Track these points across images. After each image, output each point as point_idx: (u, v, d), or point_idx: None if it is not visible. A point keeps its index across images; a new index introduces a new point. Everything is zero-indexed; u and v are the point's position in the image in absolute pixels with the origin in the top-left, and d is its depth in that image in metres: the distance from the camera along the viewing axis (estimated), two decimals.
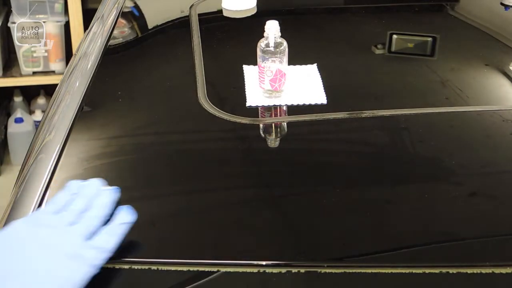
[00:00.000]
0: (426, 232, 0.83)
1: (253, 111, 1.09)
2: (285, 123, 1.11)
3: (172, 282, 0.77)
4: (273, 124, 1.10)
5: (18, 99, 2.98)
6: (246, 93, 1.13)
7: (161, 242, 0.84)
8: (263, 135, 1.07)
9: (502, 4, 1.52)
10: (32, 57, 2.77)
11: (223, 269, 0.77)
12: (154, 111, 1.13)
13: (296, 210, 0.88)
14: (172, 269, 0.77)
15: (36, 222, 0.75)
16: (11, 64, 2.86)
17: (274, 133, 1.08)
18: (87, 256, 0.72)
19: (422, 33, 1.37)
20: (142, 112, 1.14)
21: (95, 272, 0.72)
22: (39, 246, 0.72)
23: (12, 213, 0.89)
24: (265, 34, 1.10)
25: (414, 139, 1.04)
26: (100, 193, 0.80)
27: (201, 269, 0.77)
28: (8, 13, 2.74)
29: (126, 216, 0.78)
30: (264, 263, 0.77)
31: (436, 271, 0.76)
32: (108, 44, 1.35)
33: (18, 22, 2.41)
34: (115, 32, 1.42)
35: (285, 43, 1.10)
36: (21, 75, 2.80)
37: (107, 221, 0.78)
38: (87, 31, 1.54)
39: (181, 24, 1.49)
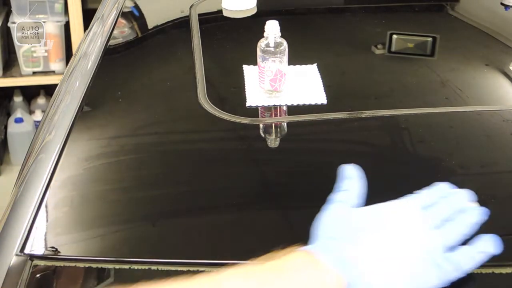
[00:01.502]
0: None
1: (253, 111, 1.09)
2: (285, 123, 1.11)
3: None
4: (273, 124, 1.10)
5: (18, 99, 2.98)
6: (246, 93, 1.13)
7: (161, 242, 0.84)
8: (263, 135, 1.07)
9: (502, 4, 1.52)
10: (32, 57, 2.77)
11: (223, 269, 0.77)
12: (154, 111, 1.13)
13: (296, 210, 0.88)
14: (172, 269, 0.77)
15: (407, 206, 0.73)
16: (11, 64, 2.86)
17: (274, 133, 1.08)
18: (444, 269, 0.68)
19: (422, 33, 1.36)
20: (142, 112, 1.14)
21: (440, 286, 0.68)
22: (401, 231, 0.70)
23: (12, 213, 0.89)
24: (265, 34, 1.10)
25: (414, 139, 1.04)
26: (468, 209, 0.73)
27: (201, 269, 0.77)
28: (8, 13, 2.74)
29: (489, 246, 0.71)
30: None
31: None
32: (108, 44, 1.35)
33: (18, 22, 2.41)
34: (115, 32, 1.42)
35: (285, 43, 1.10)
36: (21, 75, 2.80)
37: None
38: (87, 31, 1.54)
39: (181, 24, 1.48)
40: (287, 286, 0.66)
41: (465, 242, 0.72)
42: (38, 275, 0.80)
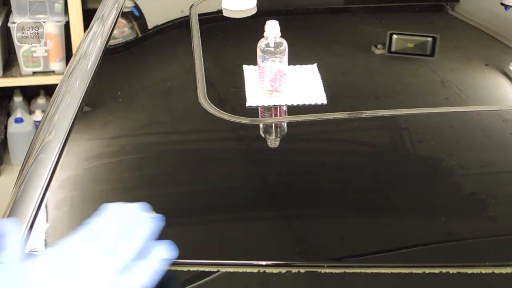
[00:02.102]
0: (426, 232, 0.83)
1: (253, 111, 1.09)
2: (285, 123, 1.11)
3: (172, 282, 0.77)
4: (273, 124, 1.10)
5: (18, 99, 2.98)
6: (246, 93, 1.13)
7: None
8: (263, 135, 1.07)
9: (502, 4, 1.52)
10: (32, 57, 2.77)
11: (223, 269, 0.77)
12: (154, 111, 1.13)
13: (296, 210, 0.88)
14: (172, 269, 0.77)
15: (65, 251, 0.69)
16: (11, 64, 2.86)
17: (274, 133, 1.08)
18: None
19: (422, 33, 1.37)
20: (142, 112, 1.14)
21: None
22: (68, 278, 0.66)
23: (12, 213, 0.89)
24: (265, 34, 1.10)
25: (414, 139, 1.04)
26: (140, 221, 0.72)
27: (201, 269, 0.77)
28: (8, 13, 2.74)
29: (164, 252, 0.71)
30: (264, 263, 0.77)
31: (436, 271, 0.76)
32: (108, 44, 1.35)
33: (18, 22, 2.41)
34: (115, 32, 1.42)
35: (285, 43, 1.10)
36: (21, 75, 2.80)
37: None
38: (87, 31, 1.54)
39: (181, 24, 1.49)
40: None
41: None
42: None
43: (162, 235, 0.72)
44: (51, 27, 2.72)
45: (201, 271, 0.77)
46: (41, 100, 2.99)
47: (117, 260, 0.68)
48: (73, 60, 1.44)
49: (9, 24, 2.68)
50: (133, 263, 0.69)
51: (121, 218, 0.72)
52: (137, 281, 0.68)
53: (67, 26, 2.74)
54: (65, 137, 1.03)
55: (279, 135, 1.08)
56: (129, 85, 1.23)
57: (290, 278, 0.76)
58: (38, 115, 2.92)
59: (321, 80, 1.16)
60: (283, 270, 0.77)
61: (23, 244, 0.72)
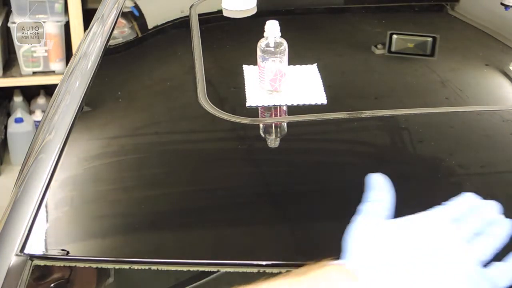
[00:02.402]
0: None
1: (253, 111, 1.09)
2: (285, 123, 1.11)
3: (172, 282, 0.77)
4: (273, 124, 1.10)
5: (18, 99, 2.98)
6: (246, 93, 1.13)
7: (161, 242, 0.84)
8: (263, 135, 1.07)
9: (502, 4, 1.52)
10: (32, 57, 2.77)
11: (223, 269, 0.77)
12: (154, 111, 1.13)
13: (296, 210, 0.88)
14: (172, 269, 0.77)
15: (438, 219, 0.70)
16: (11, 64, 2.86)
17: (274, 133, 1.08)
18: (480, 285, 0.65)
19: (422, 33, 1.36)
20: (142, 112, 1.14)
21: None
22: (435, 245, 0.67)
23: (12, 213, 0.89)
24: (265, 34, 1.10)
25: (414, 139, 1.04)
26: (497, 221, 0.71)
27: (201, 269, 0.77)
28: (8, 13, 2.74)
29: None
30: (264, 263, 0.77)
31: None
32: (108, 44, 1.35)
33: (18, 22, 2.41)
34: (115, 32, 1.42)
35: (285, 43, 1.10)
36: (21, 75, 2.80)
37: None
38: (87, 31, 1.54)
39: (181, 24, 1.48)
40: None
41: (496, 256, 0.69)
42: (38, 275, 0.80)
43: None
44: (51, 27, 2.72)
45: (201, 271, 0.77)
46: (41, 100, 2.99)
47: (479, 251, 0.67)
48: (73, 60, 1.44)
49: (9, 24, 2.69)
50: (492, 262, 0.67)
51: (482, 211, 0.71)
52: (498, 278, 0.66)
53: (67, 26, 2.74)
54: (65, 137, 1.03)
55: (279, 135, 1.08)
56: (129, 85, 1.23)
57: None
58: (38, 115, 2.92)
59: (321, 80, 1.16)
60: (283, 270, 0.77)
61: (389, 200, 0.74)
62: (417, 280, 0.65)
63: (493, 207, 0.72)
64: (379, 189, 0.74)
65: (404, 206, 0.89)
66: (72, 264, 0.81)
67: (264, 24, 1.10)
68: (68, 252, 0.83)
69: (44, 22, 2.60)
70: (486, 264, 0.67)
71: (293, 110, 1.10)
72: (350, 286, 0.66)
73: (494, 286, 0.66)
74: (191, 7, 1.49)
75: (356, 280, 0.66)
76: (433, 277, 0.65)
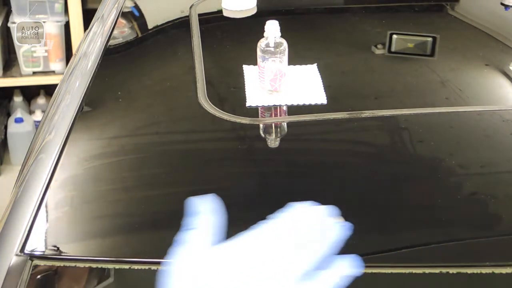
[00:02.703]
0: (426, 232, 0.83)
1: (253, 111, 1.09)
2: (285, 123, 1.11)
3: None
4: (273, 124, 1.10)
5: (18, 99, 2.98)
6: (246, 93, 1.13)
7: (161, 242, 0.84)
8: (263, 135, 1.07)
9: (502, 4, 1.52)
10: (32, 57, 2.77)
11: None
12: (154, 111, 1.13)
13: None
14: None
15: (256, 238, 0.66)
16: (11, 64, 2.86)
17: (274, 133, 1.08)
18: None
19: (422, 33, 1.36)
20: (142, 112, 1.14)
21: None
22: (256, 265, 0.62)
23: (12, 213, 0.89)
24: (265, 34, 1.10)
25: (414, 139, 1.04)
26: (330, 225, 0.66)
27: None
28: (8, 13, 2.74)
29: (348, 266, 0.65)
30: None
31: (436, 271, 0.76)
32: (108, 44, 1.35)
33: (18, 22, 2.41)
34: (115, 32, 1.42)
35: (285, 43, 1.10)
36: (21, 75, 2.80)
37: None
38: (87, 31, 1.54)
39: (181, 24, 1.48)
40: None
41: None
42: (38, 275, 0.80)
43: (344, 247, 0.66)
44: (51, 27, 2.72)
45: None
46: (41, 100, 2.99)
47: (306, 258, 0.63)
48: (73, 60, 1.44)
49: (9, 24, 2.69)
50: (314, 271, 0.63)
51: (310, 218, 0.67)
52: None
53: (67, 26, 2.74)
54: (65, 137, 1.03)
55: (279, 135, 1.08)
56: (129, 85, 1.23)
57: None
58: (38, 115, 2.92)
59: (321, 80, 1.16)
60: None
61: (215, 226, 0.67)
62: None
63: (322, 213, 0.67)
64: (203, 213, 0.69)
65: (404, 206, 0.89)
66: (72, 264, 0.81)
67: (264, 24, 1.10)
68: (68, 252, 0.84)
69: (44, 22, 2.60)
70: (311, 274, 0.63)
71: (293, 110, 1.10)
72: None
73: None
74: (191, 7, 1.49)
75: None
76: None
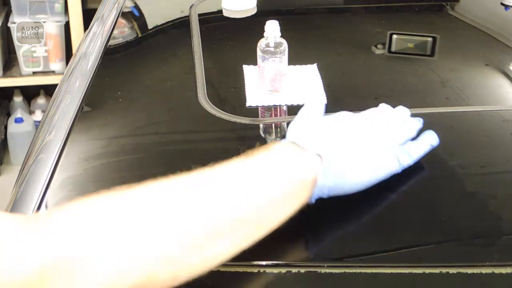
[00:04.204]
0: (426, 232, 0.83)
1: (253, 111, 1.09)
2: (285, 123, 1.11)
3: None
4: (273, 124, 1.10)
5: (18, 99, 2.98)
6: (246, 93, 1.13)
7: None
8: (263, 135, 1.07)
9: (502, 4, 1.52)
10: (32, 57, 2.77)
11: (223, 269, 0.77)
12: (154, 111, 1.13)
13: None
14: None
15: (365, 114, 0.90)
16: (11, 64, 2.87)
17: (274, 133, 1.08)
18: (401, 158, 0.84)
19: (422, 33, 1.36)
20: (142, 112, 1.14)
21: (399, 171, 0.85)
22: (368, 130, 0.84)
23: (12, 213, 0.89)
24: (265, 34, 1.10)
25: (414, 139, 1.04)
26: (409, 119, 0.91)
27: None
28: (8, 13, 2.74)
29: (432, 138, 0.89)
30: (264, 263, 0.77)
31: (436, 271, 0.76)
32: (108, 44, 1.35)
33: (18, 22, 2.42)
34: (115, 32, 1.42)
35: (285, 43, 1.10)
36: (21, 75, 2.81)
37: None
38: (87, 31, 1.54)
39: (181, 24, 1.49)
40: (266, 166, 0.76)
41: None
42: None
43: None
44: (51, 27, 2.72)
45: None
46: (41, 100, 2.99)
47: (401, 133, 0.87)
48: (73, 60, 1.44)
49: (9, 24, 2.69)
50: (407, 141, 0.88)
51: (397, 112, 0.92)
52: (412, 151, 0.86)
53: (67, 26, 2.75)
54: (65, 137, 1.03)
55: (279, 135, 1.08)
56: (129, 85, 1.23)
57: (290, 278, 0.76)
58: (38, 115, 2.92)
59: (321, 80, 1.16)
60: (283, 270, 0.77)
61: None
62: (354, 155, 0.80)
63: (405, 111, 0.92)
64: (316, 101, 0.90)
65: (404, 206, 0.89)
66: None
67: (264, 24, 1.10)
68: None
69: (44, 22, 2.60)
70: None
71: (293, 110, 1.10)
72: (295, 152, 0.77)
73: (410, 157, 0.85)
74: (191, 7, 1.49)
75: (304, 152, 0.77)
76: (367, 153, 0.81)
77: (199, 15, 1.46)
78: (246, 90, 1.14)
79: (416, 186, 0.91)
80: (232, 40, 1.41)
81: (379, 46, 1.34)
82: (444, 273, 0.76)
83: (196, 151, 1.03)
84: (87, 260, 0.62)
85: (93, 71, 1.22)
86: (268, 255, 0.79)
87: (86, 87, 1.17)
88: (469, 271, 0.76)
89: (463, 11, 1.61)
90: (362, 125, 0.85)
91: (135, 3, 1.60)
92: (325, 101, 1.11)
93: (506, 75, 1.24)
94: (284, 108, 1.11)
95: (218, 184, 0.73)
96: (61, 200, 0.93)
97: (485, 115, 1.10)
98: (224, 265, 0.77)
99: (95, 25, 1.51)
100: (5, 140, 2.93)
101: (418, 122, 0.91)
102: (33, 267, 0.59)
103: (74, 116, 1.08)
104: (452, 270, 0.76)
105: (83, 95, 1.14)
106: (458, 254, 0.81)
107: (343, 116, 0.86)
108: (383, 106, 0.92)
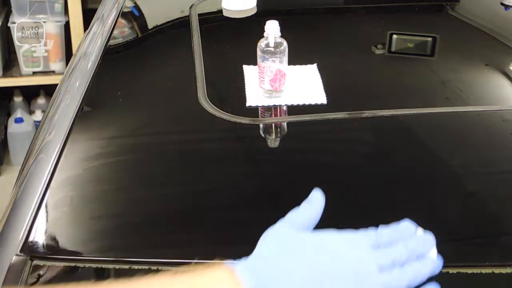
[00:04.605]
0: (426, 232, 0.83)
1: (253, 111, 1.09)
2: (285, 123, 1.11)
3: None
4: (273, 124, 1.10)
5: (18, 99, 2.98)
6: (246, 93, 1.13)
7: (161, 242, 0.84)
8: (263, 135, 1.07)
9: (502, 4, 1.52)
10: (32, 57, 2.77)
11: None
12: (154, 111, 1.13)
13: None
14: (172, 269, 0.77)
15: (359, 242, 0.68)
16: (11, 64, 2.86)
17: (274, 133, 1.08)
18: None
19: (422, 33, 1.36)
20: (142, 112, 1.14)
21: None
22: (340, 266, 0.65)
23: (12, 213, 0.89)
24: (265, 34, 1.10)
25: (414, 139, 1.04)
26: (425, 258, 0.67)
27: None
28: (8, 13, 2.74)
29: None
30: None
31: None
32: (108, 44, 1.35)
33: (18, 22, 2.41)
34: (115, 32, 1.42)
35: (285, 43, 1.10)
36: (21, 75, 2.80)
37: None
38: (87, 31, 1.54)
39: (181, 24, 1.49)
40: None
41: None
42: (38, 275, 0.80)
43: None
44: (51, 27, 2.71)
45: None
46: (41, 100, 2.99)
47: (388, 280, 0.64)
48: (73, 60, 1.44)
49: (9, 24, 2.68)
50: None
51: (411, 244, 0.67)
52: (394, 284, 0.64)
53: (67, 26, 2.74)
54: (65, 137, 1.03)
55: (279, 135, 1.08)
56: (129, 85, 1.23)
57: None
58: (38, 115, 2.92)
59: (321, 80, 1.16)
60: None
61: (315, 215, 0.71)
62: None
63: (426, 242, 0.68)
64: (312, 203, 0.71)
65: (404, 206, 0.89)
66: (72, 264, 0.81)
67: (264, 24, 1.10)
68: (68, 252, 0.84)
69: (44, 22, 2.59)
70: None
71: (293, 110, 1.10)
72: None
73: None
74: (191, 7, 1.49)
75: (239, 286, 0.63)
76: None
77: (199, 15, 1.46)
78: (246, 90, 1.14)
79: (416, 186, 0.91)
80: (232, 40, 1.41)
81: (379, 46, 1.34)
82: (444, 273, 0.75)
83: (196, 151, 1.03)
84: None
85: (93, 71, 1.22)
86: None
87: (86, 87, 1.17)
88: (469, 271, 0.76)
89: (463, 11, 1.61)
90: (338, 266, 0.65)
91: (135, 3, 1.60)
92: (325, 101, 1.11)
93: (506, 75, 1.24)
94: (284, 108, 1.11)
95: None
96: (61, 200, 0.93)
97: (485, 115, 1.10)
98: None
99: (95, 25, 1.51)
100: (5, 140, 2.93)
101: (434, 267, 0.67)
102: None
103: (74, 116, 1.08)
104: (452, 270, 0.76)
105: (83, 95, 1.14)
106: (458, 254, 0.81)
107: (322, 248, 0.67)
108: (402, 228, 0.69)
